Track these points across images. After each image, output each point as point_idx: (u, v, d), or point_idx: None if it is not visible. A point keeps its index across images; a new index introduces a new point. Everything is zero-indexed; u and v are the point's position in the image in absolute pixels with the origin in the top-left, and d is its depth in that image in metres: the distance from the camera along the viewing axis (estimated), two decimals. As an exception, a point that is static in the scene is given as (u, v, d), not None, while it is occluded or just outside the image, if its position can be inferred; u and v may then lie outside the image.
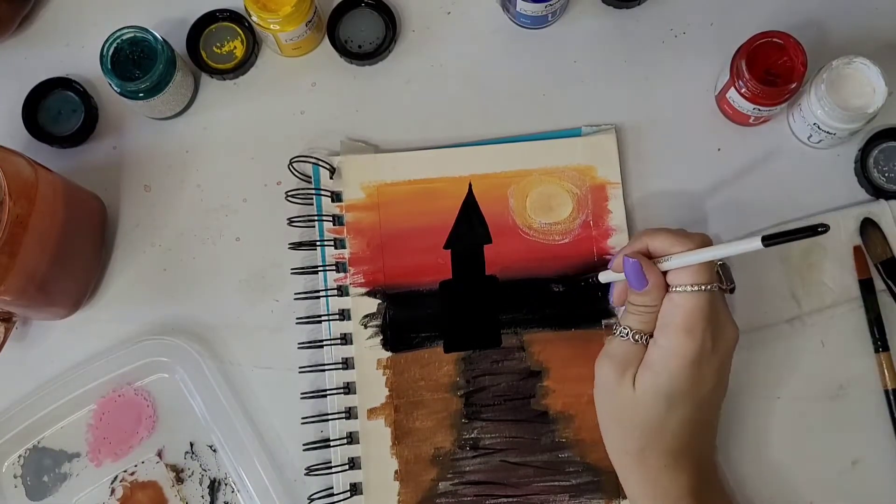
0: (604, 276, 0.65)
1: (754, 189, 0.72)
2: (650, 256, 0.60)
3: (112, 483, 0.70)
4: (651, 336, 0.59)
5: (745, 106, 0.70)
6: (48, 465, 0.71)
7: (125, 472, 0.70)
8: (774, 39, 0.68)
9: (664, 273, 0.59)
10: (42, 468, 0.71)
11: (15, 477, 0.70)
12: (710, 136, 0.73)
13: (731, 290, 0.61)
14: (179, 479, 0.70)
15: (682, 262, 0.57)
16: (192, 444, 0.71)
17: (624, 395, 0.59)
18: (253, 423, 0.70)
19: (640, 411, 0.58)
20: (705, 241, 0.59)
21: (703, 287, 0.57)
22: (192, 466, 0.70)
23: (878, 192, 0.71)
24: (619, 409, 0.60)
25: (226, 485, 0.70)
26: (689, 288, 0.57)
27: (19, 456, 0.71)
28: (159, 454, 0.71)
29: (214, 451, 0.70)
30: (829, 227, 0.50)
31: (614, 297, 0.64)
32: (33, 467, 0.71)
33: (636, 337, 0.59)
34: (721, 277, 0.60)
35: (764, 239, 0.52)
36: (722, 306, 0.59)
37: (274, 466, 0.69)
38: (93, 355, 0.72)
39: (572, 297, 0.70)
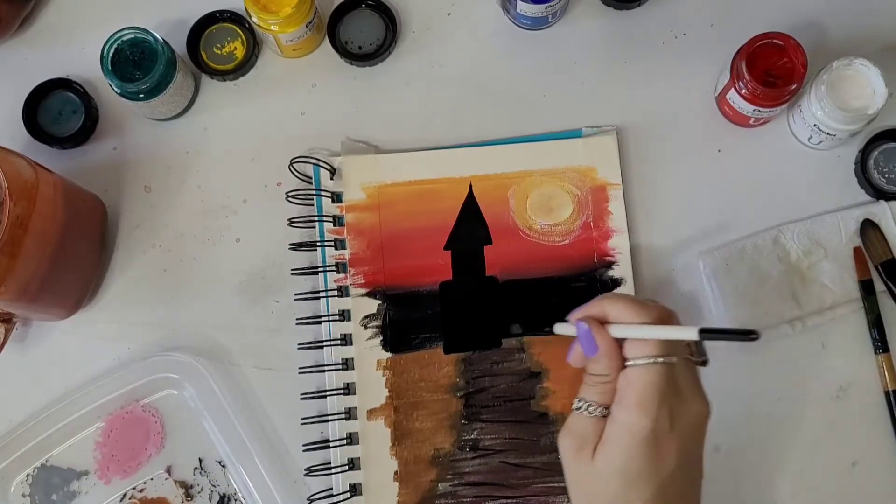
0: (558, 328, 0.61)
1: (754, 190, 0.72)
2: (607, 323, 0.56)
3: (121, 501, 0.70)
4: (607, 409, 0.55)
5: (745, 107, 0.70)
6: (57, 484, 0.70)
7: (134, 489, 0.70)
8: (774, 41, 0.69)
9: (620, 343, 0.55)
10: (51, 487, 0.70)
11: (24, 496, 0.70)
12: (710, 138, 0.73)
13: (704, 363, 0.57)
14: (189, 496, 0.70)
15: (626, 334, 0.55)
16: (200, 461, 0.71)
17: (584, 472, 0.55)
18: (259, 433, 0.70)
19: (600, 488, 0.54)
20: (662, 315, 0.55)
21: (657, 359, 0.53)
22: (202, 482, 0.70)
23: (878, 194, 0.71)
24: (582, 485, 0.56)
25: (235, 500, 0.70)
26: (641, 360, 0.53)
27: (27, 475, 0.71)
28: (168, 471, 0.70)
29: (223, 466, 0.70)
30: (759, 336, 0.50)
31: (572, 357, 0.60)
32: (42, 486, 0.70)
33: (590, 410, 0.55)
34: (692, 349, 0.57)
35: (701, 331, 0.51)
36: (686, 380, 0.55)
37: (284, 481, 0.69)
38: (92, 361, 0.72)
39: (573, 298, 0.70)
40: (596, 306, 0.57)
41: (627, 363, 0.54)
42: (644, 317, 0.55)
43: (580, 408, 0.55)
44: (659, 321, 0.55)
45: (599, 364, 0.55)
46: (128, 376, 0.70)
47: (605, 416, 0.55)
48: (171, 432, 0.71)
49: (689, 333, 0.52)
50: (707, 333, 0.52)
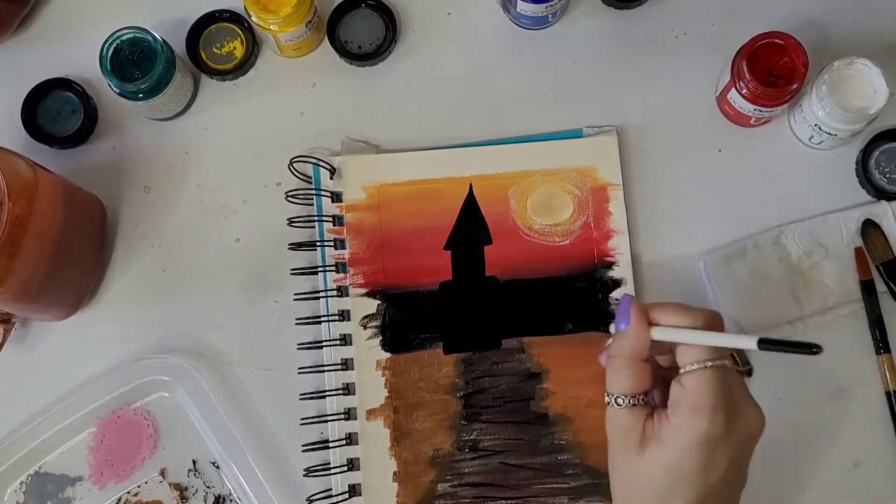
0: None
1: (755, 190, 0.72)
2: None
3: (116, 505, 0.70)
4: (636, 398, 0.55)
5: (746, 107, 0.70)
6: (51, 491, 0.70)
7: (128, 493, 0.70)
8: (775, 40, 0.68)
9: (669, 350, 0.56)
10: (45, 494, 0.70)
11: None
12: (711, 138, 0.73)
13: (748, 373, 0.58)
14: (184, 498, 0.70)
15: (679, 338, 0.54)
16: (194, 462, 0.70)
17: (630, 462, 0.55)
18: (255, 433, 0.70)
19: (644, 483, 0.55)
20: (709, 319, 0.55)
21: (708, 364, 0.53)
22: (196, 484, 0.70)
23: (879, 194, 0.71)
24: (628, 477, 0.56)
25: (230, 501, 0.70)
26: (694, 365, 0.53)
27: (21, 483, 0.70)
28: (162, 473, 0.70)
29: (217, 467, 0.70)
30: (821, 349, 0.50)
31: (603, 357, 0.59)
32: (36, 493, 0.70)
33: (619, 402, 0.55)
34: (735, 359, 0.57)
35: (760, 342, 0.51)
36: (739, 388, 0.55)
37: (282, 481, 0.69)
38: (92, 362, 0.72)
39: (573, 299, 0.70)
40: (642, 306, 0.57)
41: (681, 370, 0.54)
42: (694, 321, 0.55)
43: (609, 402, 0.56)
44: (708, 326, 0.55)
45: (625, 340, 0.55)
46: (119, 380, 0.70)
47: (635, 406, 0.55)
48: (165, 435, 0.71)
49: (748, 343, 0.52)
50: (767, 344, 0.51)
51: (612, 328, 0.59)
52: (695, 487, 0.53)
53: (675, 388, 0.54)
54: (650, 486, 0.54)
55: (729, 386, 0.54)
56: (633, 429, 0.55)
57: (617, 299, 0.70)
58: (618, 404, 0.55)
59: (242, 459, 0.69)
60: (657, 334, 0.55)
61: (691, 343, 0.54)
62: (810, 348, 0.49)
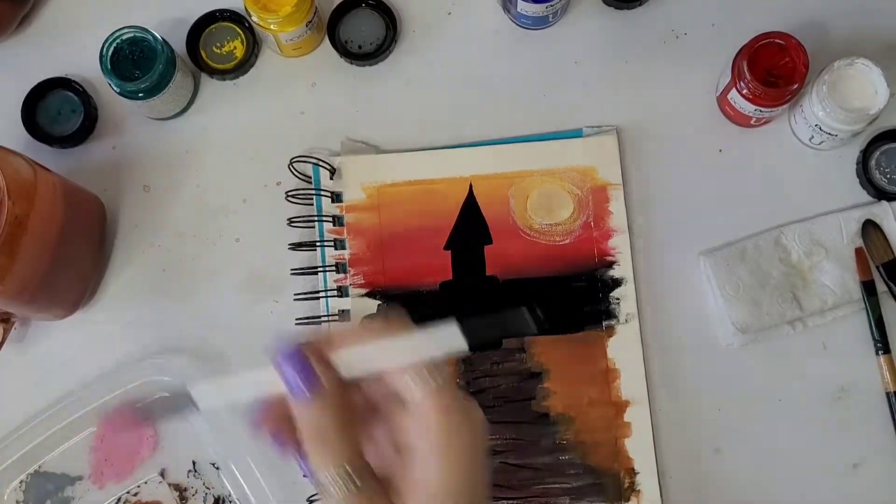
0: None
1: (755, 190, 0.72)
2: None
3: (115, 504, 0.70)
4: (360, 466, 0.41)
5: (746, 107, 0.69)
6: (50, 490, 0.70)
7: (128, 493, 0.70)
8: (776, 40, 0.68)
9: None
10: (45, 493, 0.70)
11: (17, 503, 0.70)
12: (711, 138, 0.73)
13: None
14: (183, 499, 0.70)
15: (364, 369, 0.42)
16: (194, 463, 0.70)
17: None
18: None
19: None
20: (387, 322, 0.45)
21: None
22: (196, 485, 0.70)
23: (879, 194, 0.71)
24: None
25: (230, 502, 0.70)
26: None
27: (21, 482, 0.70)
28: (162, 474, 0.70)
29: (217, 468, 0.70)
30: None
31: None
32: (35, 493, 0.70)
33: (348, 482, 0.41)
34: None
35: (470, 348, 0.43)
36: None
37: (281, 482, 0.68)
38: (91, 361, 0.72)
39: (573, 298, 0.70)
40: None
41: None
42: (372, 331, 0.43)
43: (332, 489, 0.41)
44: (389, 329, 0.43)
45: (311, 410, 0.41)
46: (119, 380, 0.70)
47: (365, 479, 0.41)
48: (165, 435, 0.71)
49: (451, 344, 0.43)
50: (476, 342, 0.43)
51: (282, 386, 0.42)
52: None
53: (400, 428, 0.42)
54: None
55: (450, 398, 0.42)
56: None
57: (618, 299, 0.70)
58: (351, 489, 0.40)
59: (242, 461, 0.69)
60: (352, 371, 0.42)
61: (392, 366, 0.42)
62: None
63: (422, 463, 0.41)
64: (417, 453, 0.41)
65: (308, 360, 0.41)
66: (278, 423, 0.43)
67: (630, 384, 0.69)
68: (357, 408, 0.43)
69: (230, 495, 0.70)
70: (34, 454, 0.70)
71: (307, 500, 0.68)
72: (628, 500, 0.67)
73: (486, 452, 0.43)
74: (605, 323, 0.70)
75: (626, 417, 0.68)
